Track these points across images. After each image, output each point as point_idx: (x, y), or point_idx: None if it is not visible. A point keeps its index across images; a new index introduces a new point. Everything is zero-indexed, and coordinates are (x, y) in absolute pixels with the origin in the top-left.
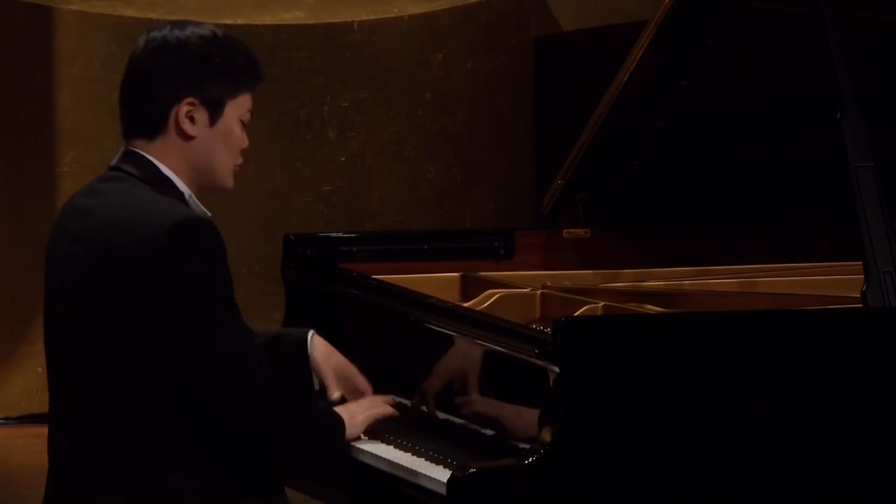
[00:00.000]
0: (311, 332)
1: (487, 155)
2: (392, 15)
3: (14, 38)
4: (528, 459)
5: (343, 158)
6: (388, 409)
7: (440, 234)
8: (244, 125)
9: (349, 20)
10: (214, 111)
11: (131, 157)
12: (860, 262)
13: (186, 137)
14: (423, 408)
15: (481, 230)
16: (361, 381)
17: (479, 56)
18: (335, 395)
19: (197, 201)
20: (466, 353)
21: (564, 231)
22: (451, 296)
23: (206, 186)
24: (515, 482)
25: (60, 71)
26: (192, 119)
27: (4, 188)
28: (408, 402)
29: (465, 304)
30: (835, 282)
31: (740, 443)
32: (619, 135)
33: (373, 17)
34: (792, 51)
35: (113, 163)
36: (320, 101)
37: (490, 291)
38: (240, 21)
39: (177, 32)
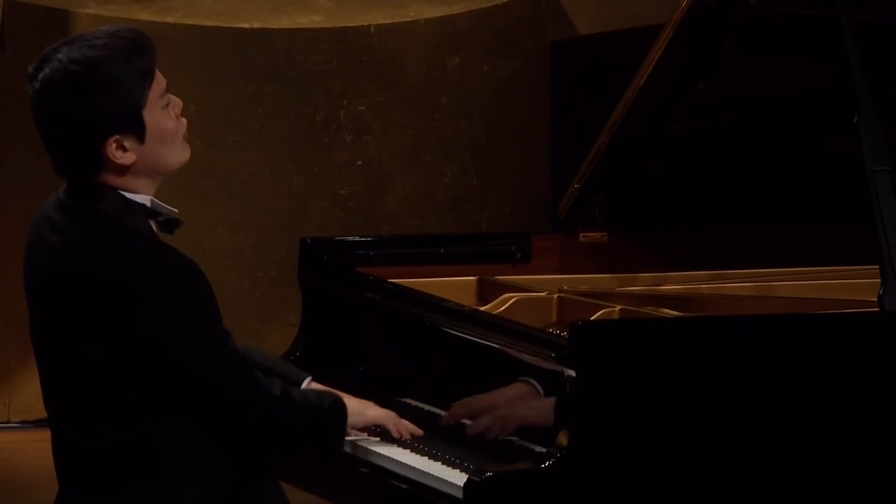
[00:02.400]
0: (308, 378)
1: (504, 158)
2: (408, 19)
3: (31, 42)
4: (544, 463)
5: (359, 162)
6: (409, 430)
7: (456, 238)
8: (169, 102)
9: (366, 24)
10: (138, 130)
11: (84, 185)
12: (877, 266)
13: (124, 167)
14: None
15: (498, 234)
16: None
17: (496, 60)
18: None
19: (160, 203)
20: (482, 359)
21: (581, 235)
22: (468, 300)
23: (165, 176)
24: (532, 486)
25: None
26: (123, 148)
27: (22, 192)
28: (423, 406)
29: (482, 308)
30: (851, 285)
31: (756, 447)
32: (636, 138)
33: (389, 20)
34: (809, 54)
35: (68, 188)
36: (336, 105)
37: (506, 295)
38: (256, 25)
39: (57, 74)
